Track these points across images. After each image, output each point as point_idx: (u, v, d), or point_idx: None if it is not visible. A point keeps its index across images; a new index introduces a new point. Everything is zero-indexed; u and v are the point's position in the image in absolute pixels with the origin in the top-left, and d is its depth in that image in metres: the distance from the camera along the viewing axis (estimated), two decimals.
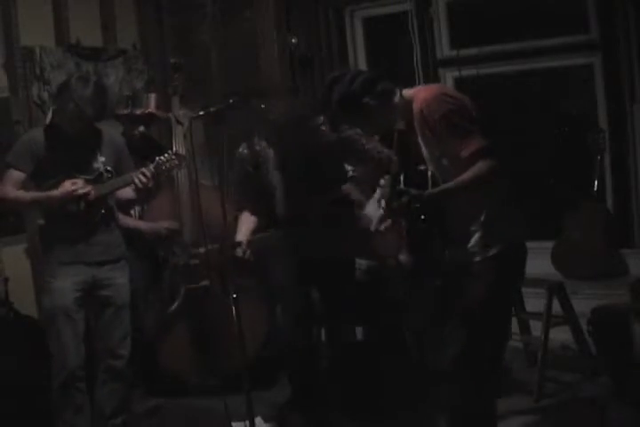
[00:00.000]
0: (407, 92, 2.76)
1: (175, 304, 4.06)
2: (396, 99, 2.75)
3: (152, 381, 4.05)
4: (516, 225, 2.73)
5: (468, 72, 4.66)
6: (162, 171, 3.36)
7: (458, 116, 2.59)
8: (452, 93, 2.72)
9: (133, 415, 3.71)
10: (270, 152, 3.55)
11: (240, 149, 3.64)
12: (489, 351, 2.73)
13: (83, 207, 3.29)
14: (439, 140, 2.64)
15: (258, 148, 3.57)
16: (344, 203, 3.51)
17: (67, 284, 3.32)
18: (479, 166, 2.55)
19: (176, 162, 3.40)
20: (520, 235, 2.76)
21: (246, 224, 3.60)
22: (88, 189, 3.27)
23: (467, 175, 2.58)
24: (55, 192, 3.24)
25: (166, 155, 3.38)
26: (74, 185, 3.25)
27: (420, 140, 2.72)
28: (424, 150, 2.73)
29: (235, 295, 3.08)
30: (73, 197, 3.25)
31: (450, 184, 2.61)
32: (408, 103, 2.71)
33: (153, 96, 4.33)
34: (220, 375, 3.87)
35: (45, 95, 4.34)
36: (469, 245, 2.71)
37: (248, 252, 3.44)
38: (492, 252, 2.67)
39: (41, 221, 3.49)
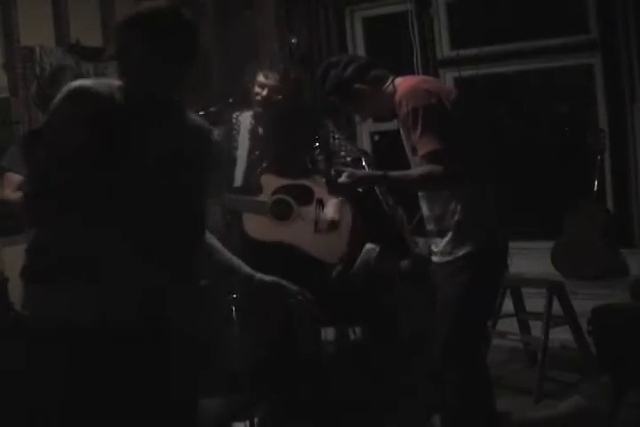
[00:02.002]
0: (397, 81, 2.79)
1: None
2: (387, 86, 2.76)
3: None
4: (488, 228, 2.72)
5: (468, 72, 4.66)
6: None
7: (425, 114, 2.59)
8: (431, 88, 2.69)
9: None
10: (247, 123, 3.58)
11: None
12: (463, 351, 2.72)
13: None
14: (406, 133, 2.68)
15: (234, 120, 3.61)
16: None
17: None
18: (428, 168, 2.58)
19: None
20: (493, 238, 2.74)
21: None
22: None
23: (413, 171, 2.67)
24: None
25: None
26: None
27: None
28: (403, 140, 2.78)
29: (234, 295, 3.08)
30: None
31: (394, 173, 2.65)
32: (394, 92, 2.74)
33: None
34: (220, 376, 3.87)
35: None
36: (441, 244, 2.73)
37: None
38: (462, 252, 2.68)
39: None
